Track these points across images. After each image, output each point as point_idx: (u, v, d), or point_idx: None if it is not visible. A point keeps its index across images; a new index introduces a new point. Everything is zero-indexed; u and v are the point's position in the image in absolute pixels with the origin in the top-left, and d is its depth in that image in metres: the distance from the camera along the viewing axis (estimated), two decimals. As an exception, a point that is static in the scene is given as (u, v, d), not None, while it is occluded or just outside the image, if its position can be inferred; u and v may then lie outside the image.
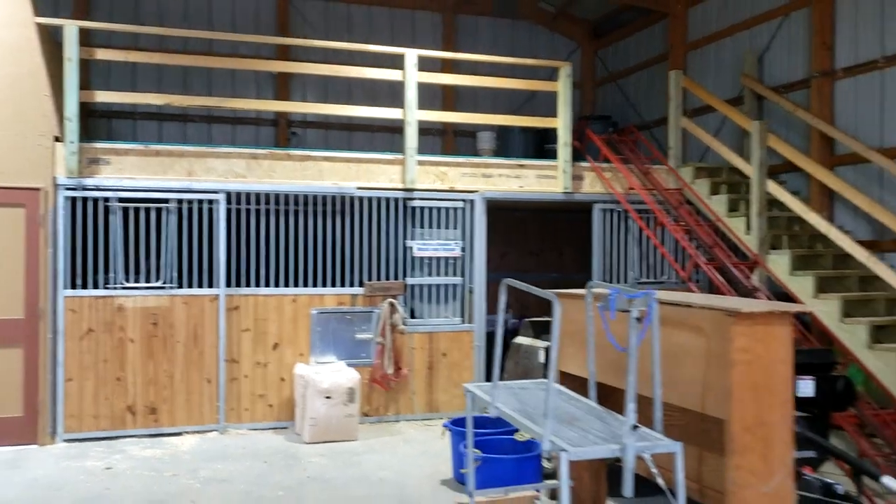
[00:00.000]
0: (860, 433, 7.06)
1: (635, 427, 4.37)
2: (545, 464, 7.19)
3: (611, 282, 10.74)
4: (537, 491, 6.29)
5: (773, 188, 9.44)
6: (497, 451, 6.73)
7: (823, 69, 10.29)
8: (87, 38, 9.28)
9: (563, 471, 4.36)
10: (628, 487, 4.35)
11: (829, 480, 5.58)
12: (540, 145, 12.96)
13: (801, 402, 6.11)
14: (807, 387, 6.08)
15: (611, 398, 5.40)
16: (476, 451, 6.30)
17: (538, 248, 14.87)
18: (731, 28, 12.11)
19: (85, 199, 8.91)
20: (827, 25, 10.28)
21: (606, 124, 13.27)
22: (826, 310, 8.48)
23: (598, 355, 5.40)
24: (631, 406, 4.39)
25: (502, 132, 13.31)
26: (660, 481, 4.44)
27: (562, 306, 6.12)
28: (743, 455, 4.46)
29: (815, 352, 6.46)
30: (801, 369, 6.12)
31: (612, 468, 6.28)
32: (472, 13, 15.09)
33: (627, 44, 15.05)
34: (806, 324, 8.99)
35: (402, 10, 14.66)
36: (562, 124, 10.46)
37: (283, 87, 13.71)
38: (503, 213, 13.45)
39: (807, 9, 10.62)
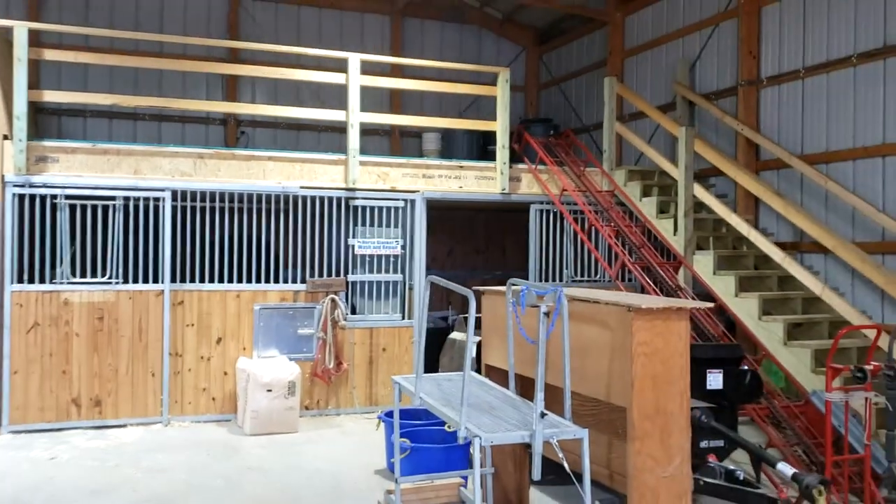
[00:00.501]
0: (770, 424, 7.51)
1: (543, 414, 4.74)
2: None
3: (547, 280, 11.15)
4: (463, 478, 6.64)
5: (699, 191, 9.89)
6: (428, 441, 7.06)
7: (749, 78, 10.80)
8: (37, 38, 9.42)
9: (476, 455, 4.71)
10: (536, 471, 4.72)
11: (731, 467, 6.00)
12: (483, 147, 13.33)
13: (710, 394, 6.54)
14: (716, 379, 6.51)
15: (532, 389, 5.77)
16: (405, 440, 6.64)
17: (484, 246, 15.27)
18: (665, 37, 12.60)
19: (33, 196, 9.07)
20: (753, 36, 10.79)
21: (547, 127, 13.69)
22: (746, 308, 8.95)
23: (519, 349, 5.76)
24: (539, 395, 4.75)
25: (447, 133, 13.66)
26: (565, 465, 4.80)
27: (487, 302, 6.51)
28: (643, 441, 4.85)
29: (725, 346, 6.90)
30: (710, 363, 6.57)
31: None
32: (420, 17, 15.43)
33: (570, 49, 15.49)
34: (731, 323, 9.46)
35: (351, 12, 14.94)
36: (500, 128, 10.83)
37: (232, 87, 13.93)
38: (450, 213, 13.81)
39: (735, 20, 11.11)
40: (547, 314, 4.78)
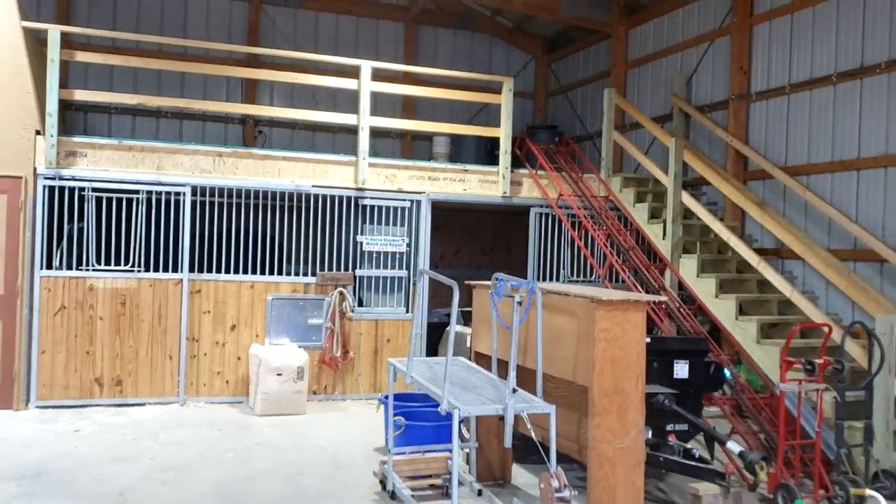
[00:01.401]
0: (736, 414, 8.12)
1: (514, 390, 5.39)
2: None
3: (545, 279, 11.78)
4: (451, 452, 7.27)
5: (687, 199, 10.47)
6: (423, 420, 7.70)
7: (740, 92, 11.40)
8: (67, 39, 10.11)
9: (455, 426, 5.36)
10: (507, 439, 5.37)
11: (688, 446, 6.62)
12: (491, 151, 13.93)
13: (677, 383, 7.16)
14: (682, 369, 7.12)
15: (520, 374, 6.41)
16: (399, 418, 7.29)
17: (489, 246, 15.91)
18: (665, 50, 13.19)
19: (62, 188, 9.79)
20: (744, 53, 11.38)
21: (553, 134, 14.31)
22: (724, 309, 9.53)
23: (502, 337, 6.41)
24: (512, 374, 5.40)
25: (456, 137, 14.27)
26: (534, 436, 5.45)
27: (476, 296, 7.17)
28: (602, 416, 5.49)
29: (691, 340, 7.52)
30: (678, 354, 7.19)
31: (517, 438, 7.29)
32: (433, 24, 16.08)
33: (577, 59, 16.11)
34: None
35: (366, 19, 15.61)
36: (503, 134, 11.47)
37: (251, 89, 14.63)
38: (457, 214, 14.47)
39: (729, 36, 11.70)
40: (520, 303, 5.42)
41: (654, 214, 11.23)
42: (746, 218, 11.09)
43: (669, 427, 6.88)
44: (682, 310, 9.28)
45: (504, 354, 6.42)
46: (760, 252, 10.34)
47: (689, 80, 12.60)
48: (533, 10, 13.80)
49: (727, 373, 8.30)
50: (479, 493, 6.56)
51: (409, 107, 15.56)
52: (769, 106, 11.05)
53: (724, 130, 11.48)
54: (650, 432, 6.83)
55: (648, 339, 6.98)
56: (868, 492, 6.30)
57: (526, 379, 6.05)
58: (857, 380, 7.85)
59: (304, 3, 15.05)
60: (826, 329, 7.55)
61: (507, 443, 5.37)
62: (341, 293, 10.64)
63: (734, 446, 6.35)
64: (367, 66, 10.83)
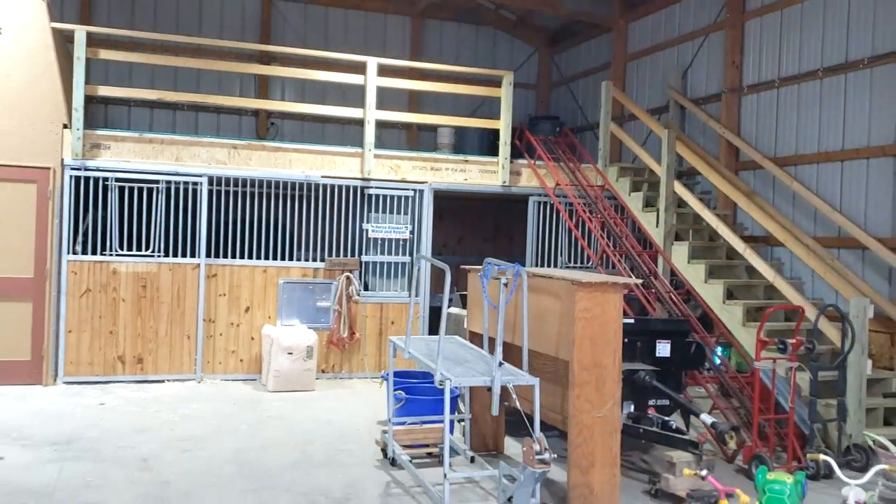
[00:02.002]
0: (718, 392, 8.65)
1: (501, 364, 5.94)
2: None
3: (544, 265, 12.32)
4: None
5: (679, 188, 10.96)
6: (421, 394, 8.24)
7: (732, 86, 11.88)
8: (90, 38, 10.64)
9: (447, 394, 5.92)
10: (494, 408, 5.93)
11: (666, 419, 7.17)
12: (493, 141, 14.41)
13: (659, 361, 7.69)
14: (664, 348, 7.65)
15: (507, 351, 6.96)
16: (400, 392, 7.86)
17: (492, 234, 16.44)
18: (663, 44, 13.66)
19: (87, 178, 10.38)
20: (737, 47, 11.85)
21: (554, 124, 14.80)
22: (713, 293, 10.04)
23: (494, 317, 6.94)
24: (498, 349, 5.96)
25: (459, 128, 14.77)
26: (519, 406, 6.01)
27: (471, 279, 7.73)
28: (582, 388, 6.03)
29: (673, 321, 8.04)
30: (661, 335, 7.73)
31: (510, 413, 7.86)
32: (438, 18, 16.57)
33: (579, 51, 16.59)
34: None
35: (374, 13, 16.12)
36: (503, 125, 11.99)
37: (263, 83, 15.18)
38: (461, 203, 14.99)
39: (723, 31, 12.17)
40: (506, 285, 5.97)
41: (649, 203, 11.72)
42: (737, 207, 11.57)
43: (651, 402, 7.41)
44: (671, 294, 9.79)
45: (494, 333, 6.97)
46: (750, 239, 10.87)
47: (684, 74, 13.09)
48: (536, 4, 14.31)
49: (716, 355, 8.86)
50: (472, 459, 7.15)
51: (414, 99, 16.08)
52: (760, 99, 11.53)
53: (717, 122, 11.97)
54: (632, 406, 7.39)
55: (632, 320, 7.57)
56: (822, 457, 6.80)
57: (515, 355, 6.60)
58: (834, 359, 8.37)
59: (314, -3, 15.60)
60: (800, 311, 8.05)
61: (495, 411, 5.93)
62: (348, 277, 11.20)
63: (707, 418, 6.90)
64: (373, 62, 11.36)
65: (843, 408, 7.84)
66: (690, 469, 6.20)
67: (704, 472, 6.02)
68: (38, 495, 6.27)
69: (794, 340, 7.42)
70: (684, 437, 6.84)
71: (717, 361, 8.94)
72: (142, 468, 7.07)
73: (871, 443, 7.26)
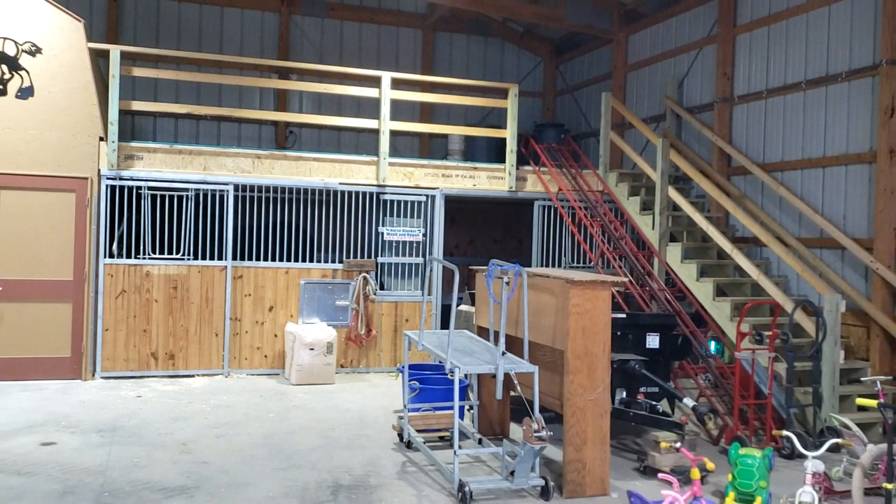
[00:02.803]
0: (711, 383, 9.40)
1: (504, 353, 6.72)
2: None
3: (548, 265, 13.08)
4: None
5: (673, 193, 11.69)
6: (434, 384, 9.03)
7: (724, 96, 12.62)
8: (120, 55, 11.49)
9: (456, 380, 6.70)
10: (498, 392, 6.70)
11: (654, 403, 7.93)
12: (501, 147, 15.19)
13: (649, 352, 8.45)
14: (653, 340, 8.41)
15: (506, 341, 7.73)
16: (415, 382, 8.65)
17: (502, 236, 17.22)
18: (661, 55, 14.40)
19: (122, 187, 11.21)
20: (728, 60, 12.59)
21: (559, 131, 15.57)
22: (703, 291, 10.79)
23: (498, 312, 7.72)
24: (502, 339, 6.73)
25: (470, 136, 15.54)
26: (520, 391, 6.78)
27: (478, 279, 8.51)
28: (575, 374, 6.80)
29: (661, 315, 8.80)
30: (650, 328, 8.49)
31: (515, 403, 8.63)
32: (449, 31, 17.36)
33: (582, 61, 17.35)
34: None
35: (387, 26, 16.92)
36: (509, 134, 12.78)
37: (282, 95, 15.99)
38: (472, 206, 15.78)
39: (715, 44, 12.91)
40: (507, 283, 6.75)
41: (646, 207, 12.46)
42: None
43: (642, 389, 8.17)
44: (664, 292, 10.55)
45: (498, 326, 7.76)
46: (741, 240, 11.63)
47: (681, 84, 13.83)
48: (540, 19, 15.05)
49: (704, 348, 9.60)
50: (480, 441, 7.93)
51: (426, 109, 16.86)
52: (749, 109, 12.26)
53: (710, 130, 12.71)
54: (624, 393, 8.16)
55: (624, 315, 8.33)
56: (785, 433, 7.52)
57: (517, 346, 7.37)
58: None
59: (329, 12, 16.38)
60: (776, 307, 8.80)
61: (499, 395, 6.71)
62: (365, 278, 11.99)
63: (689, 402, 7.65)
64: (387, 76, 12.17)
65: (818, 394, 8.57)
66: (667, 444, 6.97)
67: (678, 445, 6.78)
68: (94, 473, 7.08)
69: (770, 333, 8.17)
70: (669, 419, 7.61)
71: (708, 351, 9.68)
72: (182, 450, 7.87)
73: (836, 424, 7.98)
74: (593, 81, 16.80)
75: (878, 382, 7.07)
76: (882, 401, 7.24)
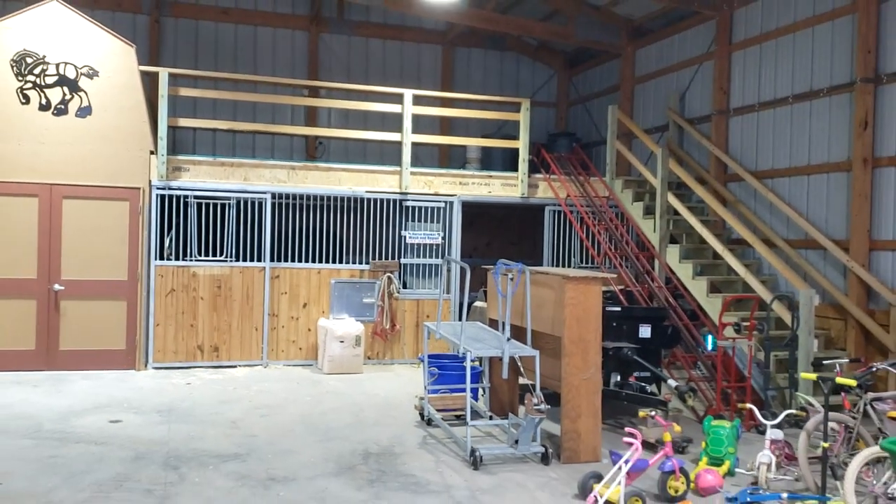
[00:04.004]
0: (691, 366, 10.46)
1: (509, 339, 7.84)
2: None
3: (560, 265, 14.17)
4: (471, 392, 9.73)
5: (671, 198, 12.71)
6: (451, 370, 10.12)
7: (720, 108, 13.66)
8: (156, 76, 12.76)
9: (468, 360, 7.83)
10: (504, 371, 7.82)
11: (643, 384, 9.02)
12: (516, 156, 16.30)
13: (641, 341, 9.53)
14: (645, 331, 9.48)
15: (514, 331, 8.84)
16: (434, 369, 9.77)
17: (517, 238, 18.30)
18: (665, 69, 15.47)
19: (170, 196, 12.44)
20: (724, 75, 13.64)
21: (571, 140, 16.69)
22: (699, 288, 11.83)
23: (513, 308, 8.82)
24: (507, 328, 7.85)
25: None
26: (524, 371, 7.89)
27: (490, 277, 9.59)
28: (571, 357, 7.90)
29: (653, 309, 9.87)
30: (643, 320, 9.57)
31: (523, 388, 9.71)
32: (467, 46, 18.51)
33: (594, 73, 18.43)
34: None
35: (409, 43, 18.08)
36: (522, 145, 13.90)
37: (312, 111, 17.19)
38: (489, 211, 16.86)
39: (713, 60, 13.95)
40: (511, 279, 7.88)
41: (649, 211, 13.50)
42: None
43: (635, 373, 9.25)
44: (662, 290, 11.61)
45: (515, 320, 8.87)
46: (736, 242, 12.67)
47: (682, 97, 14.89)
48: (552, 36, 16.14)
49: (708, 344, 10.62)
50: (491, 418, 9.05)
51: (446, 121, 17.99)
52: (743, 120, 13.30)
53: (708, 140, 13.76)
54: (618, 376, 9.25)
55: (619, 308, 9.42)
56: (747, 405, 8.54)
57: (522, 335, 8.47)
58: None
59: (355, 30, 17.57)
60: (754, 301, 9.86)
61: (504, 374, 7.84)
62: (389, 277, 13.15)
63: (672, 382, 8.73)
64: (408, 93, 13.33)
65: (794, 379, 9.61)
66: (644, 412, 8.08)
67: (653, 413, 7.86)
68: (159, 443, 8.26)
69: (748, 323, 9.24)
70: (656, 397, 8.70)
71: (711, 347, 10.68)
72: (232, 427, 9.04)
73: (803, 402, 9.00)
74: (604, 92, 17.86)
75: (837, 364, 8.06)
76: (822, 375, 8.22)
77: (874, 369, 7.51)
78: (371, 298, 13.16)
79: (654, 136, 15.33)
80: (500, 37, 18.35)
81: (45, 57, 11.69)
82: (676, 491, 6.77)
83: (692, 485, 7.00)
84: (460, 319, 13.48)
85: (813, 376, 7.58)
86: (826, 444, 6.48)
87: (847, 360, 8.28)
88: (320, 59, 17.39)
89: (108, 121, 12.03)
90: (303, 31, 17.31)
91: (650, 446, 8.04)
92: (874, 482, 6.36)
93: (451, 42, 18.25)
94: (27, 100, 11.62)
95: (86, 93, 11.92)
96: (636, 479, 6.77)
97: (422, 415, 9.36)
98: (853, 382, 6.61)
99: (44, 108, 11.71)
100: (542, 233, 14.54)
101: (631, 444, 6.50)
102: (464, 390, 9.52)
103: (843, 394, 7.65)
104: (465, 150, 17.06)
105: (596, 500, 6.32)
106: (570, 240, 14.28)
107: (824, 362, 8.25)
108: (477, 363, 9.81)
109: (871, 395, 7.32)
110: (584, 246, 14.23)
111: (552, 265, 14.14)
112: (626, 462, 6.42)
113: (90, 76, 11.93)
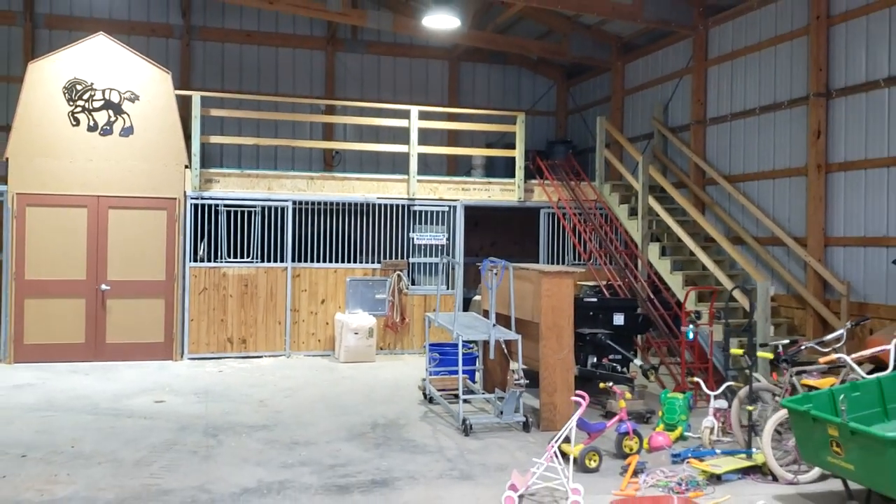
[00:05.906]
0: (664, 352, 11.83)
1: (494, 325, 9.26)
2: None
3: (554, 263, 15.56)
4: (468, 374, 11.16)
5: (651, 201, 14.04)
6: (451, 356, 11.53)
7: (698, 118, 15.01)
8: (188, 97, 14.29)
9: (459, 343, 9.25)
10: (491, 352, 9.24)
11: (615, 365, 10.40)
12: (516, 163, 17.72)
13: (615, 327, 10.91)
14: (619, 318, 10.86)
15: (501, 319, 10.25)
16: (435, 354, 11.19)
17: (519, 239, 19.67)
18: (651, 82, 16.82)
19: (203, 205, 13.94)
20: (701, 88, 14.98)
21: (568, 147, 18.09)
22: (676, 282, 13.19)
23: (500, 299, 10.25)
24: (492, 315, 9.26)
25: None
26: (508, 353, 9.29)
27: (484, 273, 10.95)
28: (547, 340, 9.29)
29: (625, 300, 11.25)
30: (616, 309, 10.95)
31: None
32: (472, 61, 19.94)
33: (590, 84, 19.80)
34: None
35: (418, 59, 19.54)
36: (518, 154, 15.32)
37: (329, 125, 18.66)
38: (493, 213, 18.24)
39: (692, 74, 15.30)
40: (496, 274, 9.30)
41: (634, 213, 14.85)
42: (705, 213, 14.68)
43: (611, 357, 10.62)
44: (639, 283, 12.99)
45: (503, 311, 10.29)
46: (711, 240, 13.95)
47: (666, 107, 16.23)
48: (548, 53, 17.52)
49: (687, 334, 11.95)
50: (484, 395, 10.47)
51: (452, 132, 19.36)
52: (718, 129, 14.63)
53: (687, 147, 15.11)
54: (595, 358, 10.63)
55: (595, 299, 10.81)
56: (695, 379, 9.87)
57: (510, 323, 9.87)
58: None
59: (368, 49, 19.06)
60: (712, 292, 11.23)
61: (491, 355, 9.26)
62: (399, 275, 14.59)
63: (637, 361, 10.11)
64: (415, 110, 14.79)
65: (753, 360, 10.93)
66: (604, 384, 9.43)
67: (611, 385, 9.21)
68: (198, 418, 9.74)
69: (708, 311, 10.61)
70: (624, 375, 10.09)
71: (690, 336, 11.97)
72: (260, 405, 10.51)
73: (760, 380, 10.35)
74: (598, 102, 19.23)
75: (779, 345, 9.38)
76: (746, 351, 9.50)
77: (802, 348, 8.85)
78: (383, 294, 14.59)
79: (642, 144, 16.70)
80: (503, 51, 19.74)
81: (92, 84, 13.22)
82: (630, 449, 8.14)
83: (645, 444, 8.38)
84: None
85: (769, 355, 8.87)
86: (751, 408, 7.85)
87: (786, 342, 9.61)
88: (336, 75, 18.87)
89: (148, 139, 13.52)
90: (320, 50, 18.81)
91: (613, 415, 9.41)
92: (788, 440, 7.73)
93: (457, 57, 19.68)
94: (77, 122, 13.16)
95: (128, 115, 13.43)
96: (595, 439, 8.14)
97: (424, 394, 10.76)
98: (770, 355, 7.97)
99: (91, 129, 13.24)
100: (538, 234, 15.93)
101: (579, 404, 7.82)
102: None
103: (771, 368, 8.96)
104: (470, 159, 18.49)
105: (554, 451, 7.64)
106: (563, 240, 15.66)
107: (769, 343, 9.58)
108: (474, 349, 11.21)
109: (796, 368, 8.67)
110: (573, 245, 15.61)
111: (547, 263, 15.51)
112: (575, 416, 7.70)
113: (132, 100, 13.43)
